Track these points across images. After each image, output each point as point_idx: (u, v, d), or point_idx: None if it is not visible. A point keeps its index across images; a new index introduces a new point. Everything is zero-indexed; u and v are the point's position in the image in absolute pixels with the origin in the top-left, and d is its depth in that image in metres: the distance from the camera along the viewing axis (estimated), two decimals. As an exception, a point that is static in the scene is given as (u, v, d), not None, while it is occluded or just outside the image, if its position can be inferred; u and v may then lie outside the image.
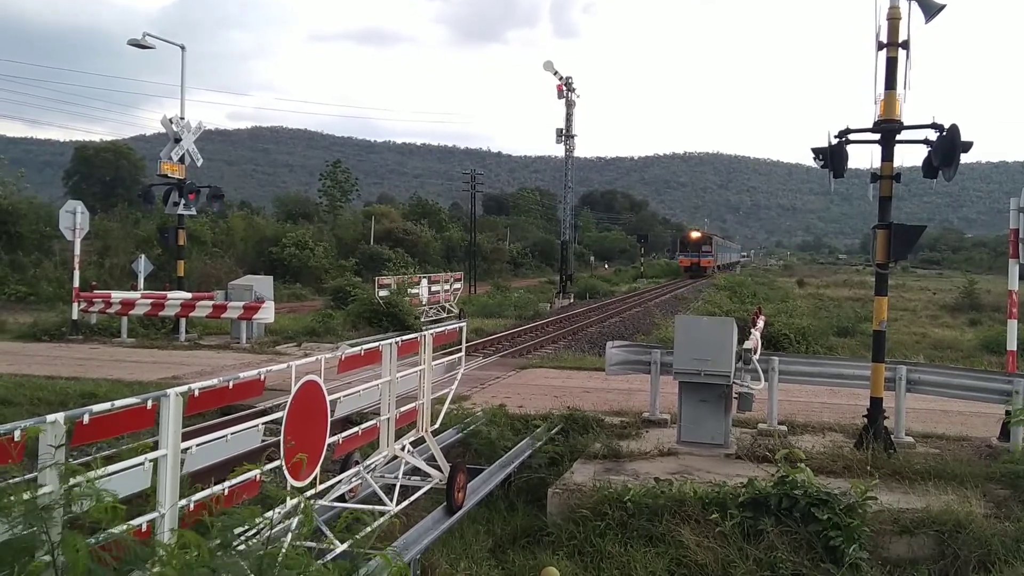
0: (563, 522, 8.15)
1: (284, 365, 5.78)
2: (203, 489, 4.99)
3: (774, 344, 19.74)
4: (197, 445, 5.00)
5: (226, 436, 5.38)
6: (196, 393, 4.89)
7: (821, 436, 11.02)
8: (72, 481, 3.90)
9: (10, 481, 3.91)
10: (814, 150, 10.34)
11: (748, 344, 10.70)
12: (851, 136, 10.22)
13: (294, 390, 5.56)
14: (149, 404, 4.59)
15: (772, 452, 9.64)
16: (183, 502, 4.72)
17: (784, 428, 11.19)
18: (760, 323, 13.69)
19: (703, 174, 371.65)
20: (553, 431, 10.88)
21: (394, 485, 7.54)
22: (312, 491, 5.84)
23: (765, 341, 14.08)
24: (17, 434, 3.82)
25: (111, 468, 4.32)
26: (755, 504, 7.66)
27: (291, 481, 5.40)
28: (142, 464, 4.52)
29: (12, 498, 3.66)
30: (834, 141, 10.15)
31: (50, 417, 3.99)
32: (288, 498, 5.24)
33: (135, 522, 4.33)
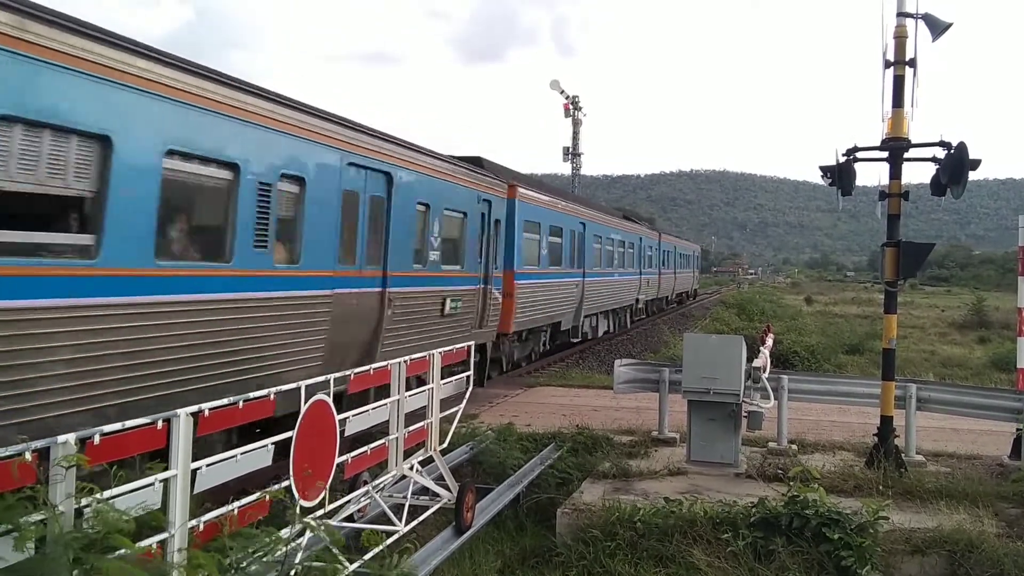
0: (573, 542, 8.10)
1: (294, 385, 5.78)
2: (213, 509, 4.98)
3: (783, 362, 19.68)
4: (207, 465, 4.99)
5: (236, 456, 5.37)
6: (206, 413, 4.89)
7: (831, 455, 10.95)
8: (83, 502, 3.90)
9: (20, 499, 3.90)
10: (822, 168, 10.38)
11: (757, 362, 10.67)
12: (859, 154, 10.24)
13: (303, 410, 5.56)
14: (160, 424, 4.59)
15: (783, 471, 9.59)
16: (193, 522, 4.72)
17: (794, 447, 11.13)
18: (769, 341, 13.65)
19: (710, 192, 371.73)
20: (562, 450, 10.84)
21: (403, 505, 7.52)
22: (321, 511, 5.83)
23: (774, 359, 14.03)
24: (28, 455, 3.82)
25: (121, 488, 4.31)
26: (766, 524, 7.62)
27: (300, 501, 5.39)
28: (152, 484, 4.51)
29: (24, 520, 3.66)
30: (842, 159, 10.18)
31: (61, 438, 3.99)
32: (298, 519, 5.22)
33: (145, 543, 4.32)
